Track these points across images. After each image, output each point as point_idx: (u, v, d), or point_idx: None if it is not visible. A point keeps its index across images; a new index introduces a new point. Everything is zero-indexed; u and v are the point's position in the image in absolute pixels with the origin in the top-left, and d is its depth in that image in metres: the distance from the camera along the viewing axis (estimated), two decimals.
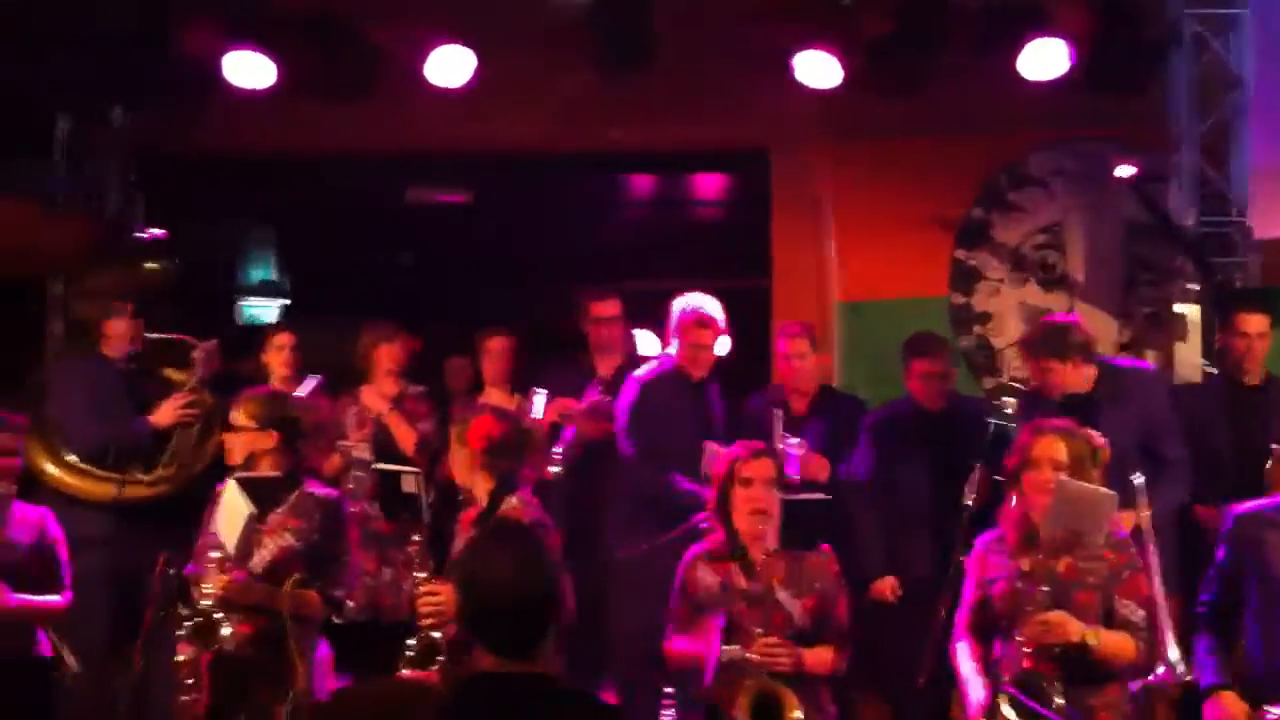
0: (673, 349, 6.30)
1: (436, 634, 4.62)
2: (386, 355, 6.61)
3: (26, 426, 5.20)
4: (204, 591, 4.68)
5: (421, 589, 4.66)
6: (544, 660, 3.05)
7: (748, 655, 4.61)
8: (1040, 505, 4.54)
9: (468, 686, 3.10)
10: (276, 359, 6.63)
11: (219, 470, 5.43)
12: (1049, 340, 5.74)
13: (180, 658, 4.69)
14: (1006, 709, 4.40)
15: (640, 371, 6.34)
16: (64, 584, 5.07)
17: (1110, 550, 4.50)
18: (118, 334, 6.13)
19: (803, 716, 4.52)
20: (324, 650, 4.97)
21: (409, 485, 4.70)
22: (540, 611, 3.05)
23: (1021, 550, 4.61)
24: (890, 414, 6.47)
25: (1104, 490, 4.59)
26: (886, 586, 6.16)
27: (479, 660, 3.08)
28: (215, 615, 4.65)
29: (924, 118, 7.12)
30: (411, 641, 4.59)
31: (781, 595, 4.72)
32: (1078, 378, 5.72)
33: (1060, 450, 4.56)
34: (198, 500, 5.19)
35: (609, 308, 6.79)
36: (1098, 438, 4.65)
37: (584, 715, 3.09)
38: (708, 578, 4.83)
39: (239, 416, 4.93)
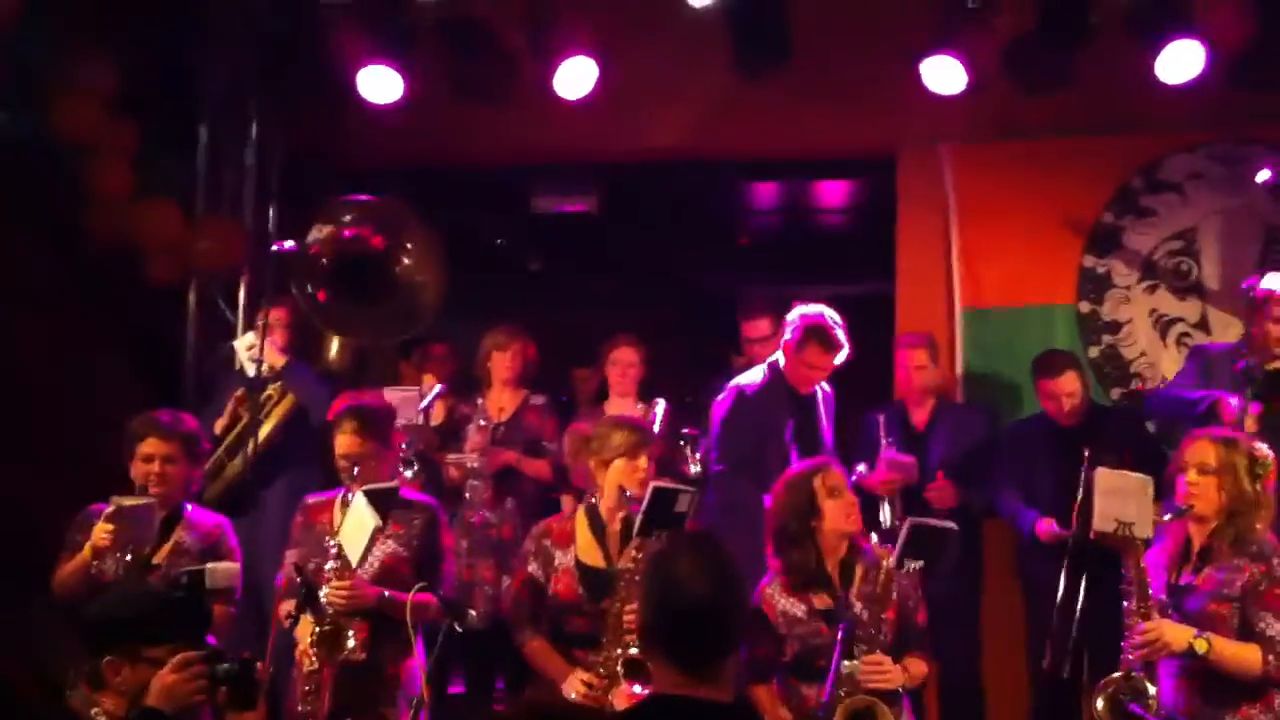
0: (779, 358, 6.22)
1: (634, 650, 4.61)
2: (500, 364, 6.72)
3: (194, 432, 5.25)
4: (327, 600, 4.81)
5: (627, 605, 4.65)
6: (726, 680, 3.01)
7: (855, 674, 4.57)
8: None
9: (649, 711, 3.06)
10: (430, 369, 6.81)
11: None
12: None
13: (308, 668, 4.83)
14: (1100, 705, 4.40)
15: (742, 379, 6.27)
16: (233, 594, 5.07)
17: (1249, 561, 4.43)
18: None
19: None
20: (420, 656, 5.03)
21: (682, 505, 4.69)
22: (732, 622, 3.03)
23: (1177, 562, 4.59)
24: (1024, 428, 6.48)
25: (1137, 475, 4.54)
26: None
27: (657, 679, 3.06)
28: (342, 625, 4.78)
29: (1056, 120, 7.00)
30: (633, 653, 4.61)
31: (862, 610, 4.69)
32: None
33: (1209, 455, 4.51)
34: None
35: (759, 328, 6.78)
36: (1262, 450, 4.56)
37: None
38: (786, 604, 4.80)
39: (344, 440, 5.07)
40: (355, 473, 4.98)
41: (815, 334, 6.06)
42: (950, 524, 4.74)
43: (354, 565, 4.83)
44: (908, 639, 4.80)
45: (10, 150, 6.21)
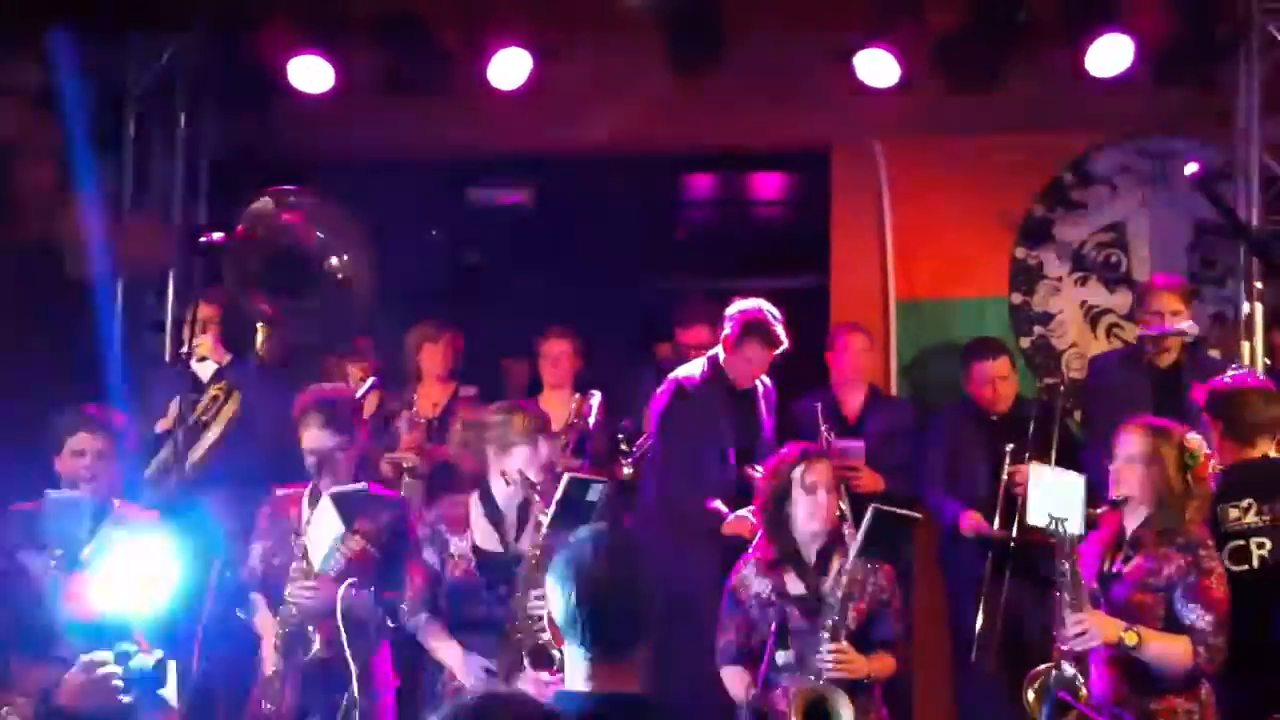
0: (719, 352, 6.21)
1: (544, 636, 4.61)
2: (431, 357, 6.68)
3: (123, 428, 5.20)
4: (291, 601, 4.79)
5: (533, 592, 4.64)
6: (636, 670, 3.03)
7: (816, 661, 4.59)
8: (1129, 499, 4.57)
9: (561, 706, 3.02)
10: (355, 364, 6.75)
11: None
12: None
13: (269, 670, 4.82)
14: (1031, 697, 4.44)
15: (680, 372, 6.27)
16: None
17: (1177, 552, 4.48)
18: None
19: None
20: (385, 651, 5.05)
21: (594, 494, 4.68)
22: (639, 613, 3.03)
23: (1109, 551, 4.63)
24: (952, 415, 6.51)
25: (1070, 473, 4.60)
26: None
27: (568, 670, 3.08)
28: (308, 628, 4.77)
29: (987, 115, 7.05)
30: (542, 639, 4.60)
31: (834, 600, 4.68)
32: None
33: (1136, 445, 4.57)
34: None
35: (697, 335, 6.82)
36: (1194, 441, 4.60)
37: None
38: (759, 586, 4.83)
39: (311, 434, 5.01)
40: (321, 469, 4.95)
41: (755, 330, 6.05)
42: (914, 513, 4.76)
43: (316, 569, 4.78)
44: (874, 633, 4.80)
45: None
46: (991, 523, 6.11)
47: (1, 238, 6.31)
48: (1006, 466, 5.99)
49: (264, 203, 5.49)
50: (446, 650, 4.84)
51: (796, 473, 4.81)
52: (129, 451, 5.25)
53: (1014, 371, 6.51)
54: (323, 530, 4.73)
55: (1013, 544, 5.93)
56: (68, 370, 6.37)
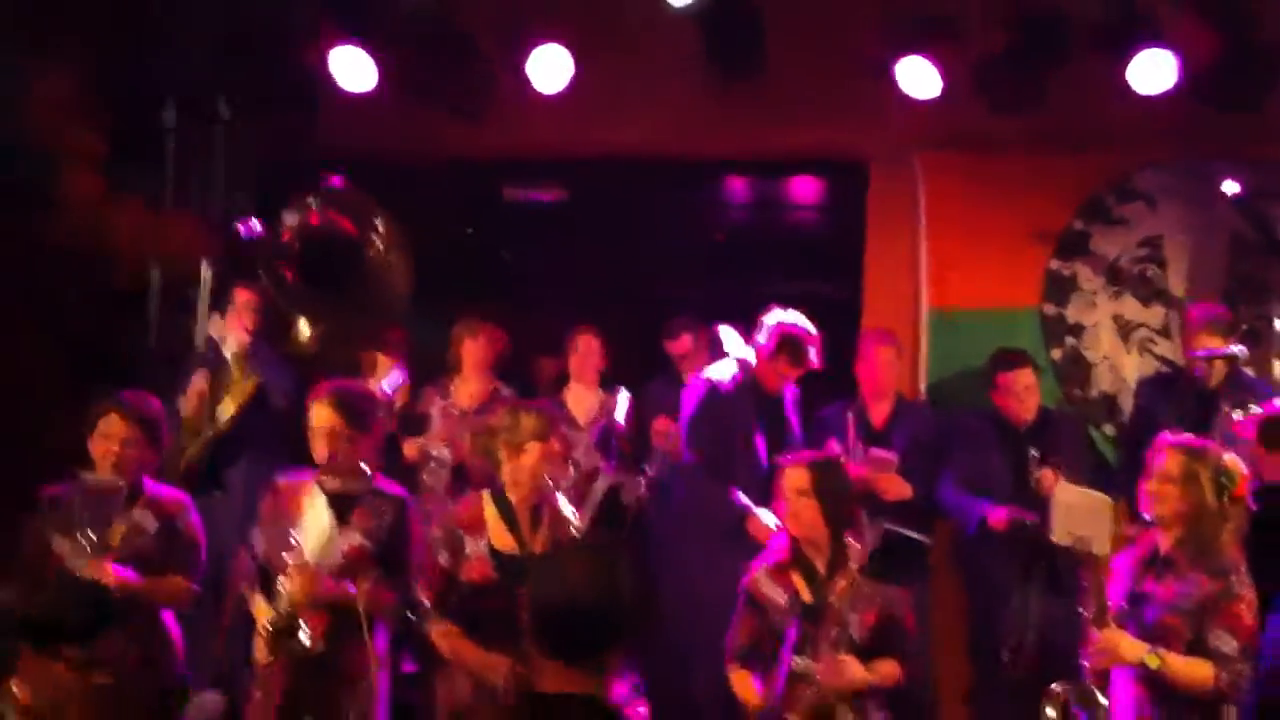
0: (752, 357, 6.27)
1: None
2: (472, 350, 6.73)
3: (156, 417, 5.24)
4: (282, 594, 4.78)
5: None
6: (600, 673, 3.05)
7: (814, 671, 4.57)
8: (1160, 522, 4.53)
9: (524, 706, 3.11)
10: (386, 355, 6.80)
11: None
12: None
13: (263, 660, 4.82)
14: (1051, 712, 4.42)
15: (713, 373, 6.32)
16: (194, 571, 5.10)
17: (1209, 576, 4.43)
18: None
19: None
20: (382, 642, 5.04)
21: (628, 495, 4.70)
22: (603, 617, 3.04)
23: (1142, 570, 4.60)
24: (974, 422, 6.50)
25: (1099, 495, 4.57)
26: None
27: (541, 676, 3.10)
28: (295, 621, 4.75)
29: (1028, 131, 7.01)
30: None
31: (843, 608, 4.66)
32: None
33: (1172, 464, 4.52)
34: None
35: (682, 345, 6.88)
36: (1230, 460, 4.55)
37: None
38: (771, 591, 4.81)
39: (322, 412, 5.00)
40: (326, 455, 4.95)
41: (788, 346, 6.17)
42: (925, 537, 4.73)
43: (310, 564, 4.80)
44: (883, 644, 4.74)
45: None
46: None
47: (42, 242, 6.35)
48: (1034, 471, 5.96)
49: (301, 203, 5.56)
50: (466, 652, 4.82)
51: (780, 478, 4.86)
52: (163, 437, 5.30)
53: (1038, 382, 6.48)
54: (316, 527, 4.78)
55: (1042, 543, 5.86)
56: (104, 359, 6.46)
